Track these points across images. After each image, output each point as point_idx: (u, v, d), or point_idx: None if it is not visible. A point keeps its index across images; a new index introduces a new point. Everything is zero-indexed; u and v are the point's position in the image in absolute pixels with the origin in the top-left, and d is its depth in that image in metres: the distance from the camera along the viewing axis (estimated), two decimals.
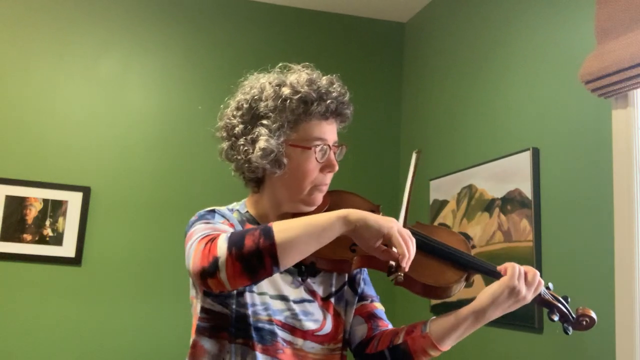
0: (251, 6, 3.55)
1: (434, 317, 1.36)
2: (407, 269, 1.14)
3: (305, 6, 3.60)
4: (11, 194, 3.07)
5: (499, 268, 1.33)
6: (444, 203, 3.03)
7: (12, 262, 3.03)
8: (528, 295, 1.30)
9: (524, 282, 1.29)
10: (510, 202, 2.53)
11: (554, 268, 2.28)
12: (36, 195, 3.09)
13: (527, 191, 2.42)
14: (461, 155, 2.97)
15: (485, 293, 1.30)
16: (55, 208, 3.11)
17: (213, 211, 1.32)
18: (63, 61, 3.25)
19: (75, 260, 3.10)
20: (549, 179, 2.37)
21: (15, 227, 3.05)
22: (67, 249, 3.10)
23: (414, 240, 1.16)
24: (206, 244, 1.10)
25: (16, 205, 3.06)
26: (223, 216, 1.31)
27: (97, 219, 3.16)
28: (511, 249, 2.48)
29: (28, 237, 3.06)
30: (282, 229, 1.09)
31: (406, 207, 1.35)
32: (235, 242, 1.08)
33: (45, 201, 3.10)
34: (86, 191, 3.15)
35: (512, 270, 1.28)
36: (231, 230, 1.25)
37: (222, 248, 1.07)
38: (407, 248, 1.13)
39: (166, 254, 3.21)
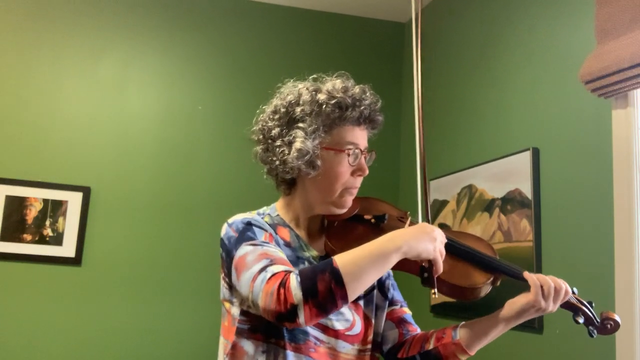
0: (251, 6, 3.55)
1: (463, 322, 1.42)
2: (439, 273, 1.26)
3: (305, 6, 3.60)
4: (11, 194, 3.07)
5: (526, 276, 1.34)
6: (444, 203, 3.03)
7: (12, 262, 3.03)
8: (554, 308, 1.34)
9: (551, 299, 1.32)
10: (510, 202, 2.53)
11: (554, 268, 2.28)
12: (36, 195, 3.10)
13: (527, 191, 2.42)
14: (461, 155, 2.97)
15: (511, 307, 1.35)
16: (55, 208, 3.11)
17: (250, 224, 1.33)
18: (63, 61, 3.25)
19: (75, 260, 3.10)
20: (549, 179, 2.37)
21: (15, 227, 3.05)
22: (67, 249, 3.10)
23: (444, 254, 1.27)
24: (279, 288, 1.14)
25: (16, 205, 3.07)
26: (261, 227, 1.34)
27: (97, 219, 3.16)
28: (511, 249, 2.48)
29: (28, 237, 3.06)
30: (349, 272, 1.15)
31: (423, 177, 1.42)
32: (309, 289, 1.13)
33: (45, 201, 3.10)
34: (86, 191, 3.15)
35: (536, 295, 1.31)
36: (279, 252, 1.28)
37: (297, 296, 1.12)
38: (442, 262, 1.26)
39: (166, 254, 3.21)
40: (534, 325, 2.31)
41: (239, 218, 1.36)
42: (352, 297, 1.15)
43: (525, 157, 2.45)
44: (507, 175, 2.56)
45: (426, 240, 1.22)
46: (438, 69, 3.32)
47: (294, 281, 1.13)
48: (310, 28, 3.63)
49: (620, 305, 1.96)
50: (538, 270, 2.32)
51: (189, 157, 3.33)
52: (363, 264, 1.16)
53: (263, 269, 1.19)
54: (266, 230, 1.33)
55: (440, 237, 1.26)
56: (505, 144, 2.64)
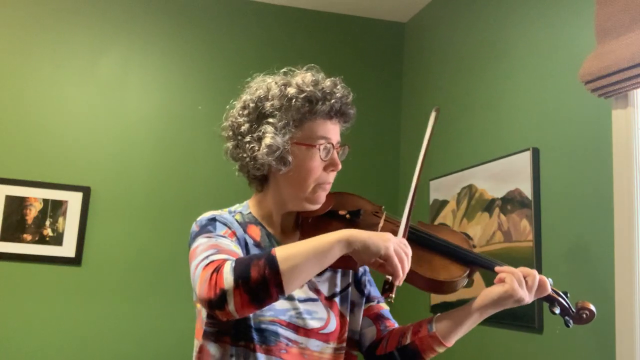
0: (251, 6, 3.55)
1: (438, 314, 1.40)
2: (400, 284, 1.18)
3: (305, 6, 3.60)
4: (11, 194, 3.07)
5: (499, 269, 1.35)
6: (444, 203, 3.03)
7: (12, 262, 3.03)
8: (530, 299, 1.33)
9: (525, 289, 1.32)
10: (510, 202, 2.53)
11: (554, 268, 2.28)
12: (36, 195, 3.09)
13: (527, 191, 2.43)
14: (461, 155, 2.97)
15: (487, 296, 1.33)
16: (55, 208, 3.11)
17: (214, 219, 1.33)
18: (63, 61, 3.25)
19: (75, 260, 3.10)
20: (549, 179, 2.37)
21: (15, 227, 3.05)
22: (67, 249, 3.10)
23: (409, 254, 1.20)
24: (212, 273, 1.11)
25: (16, 205, 3.07)
26: (224, 224, 1.32)
27: (97, 219, 3.16)
28: (511, 249, 2.48)
29: (28, 237, 3.06)
30: (285, 257, 1.11)
31: (414, 187, 1.36)
32: (241, 273, 1.09)
33: (45, 201, 3.10)
34: (86, 191, 3.15)
35: (512, 284, 1.30)
36: (233, 245, 1.26)
37: (228, 280, 1.09)
38: (402, 267, 1.17)
39: (166, 254, 3.21)
40: (534, 325, 2.31)
41: (206, 215, 1.36)
42: (288, 287, 1.10)
43: (525, 157, 2.45)
44: (507, 175, 2.56)
45: (376, 236, 1.17)
46: (438, 69, 3.32)
47: (227, 266, 1.11)
48: (310, 28, 3.63)
49: (620, 305, 1.96)
50: (538, 270, 2.31)
51: (189, 157, 3.33)
52: (303, 251, 1.12)
53: (206, 258, 1.17)
54: (229, 227, 1.32)
55: (397, 242, 1.19)
56: (505, 144, 2.64)
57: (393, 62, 3.72)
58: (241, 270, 1.09)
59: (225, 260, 1.14)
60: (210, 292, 1.10)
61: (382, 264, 1.17)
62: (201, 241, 1.26)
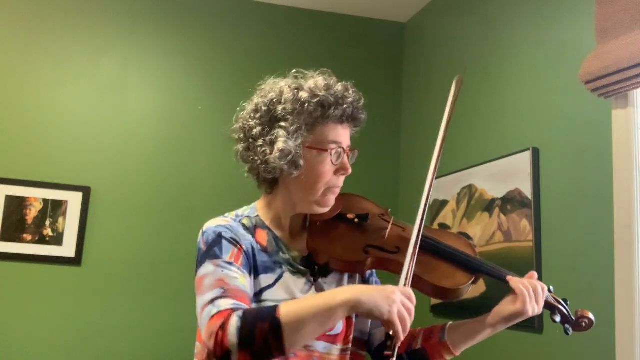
0: (251, 6, 3.55)
1: (450, 323, 1.43)
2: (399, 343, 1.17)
3: (305, 6, 3.60)
4: (11, 194, 3.07)
5: (509, 279, 1.36)
6: (444, 203, 3.03)
7: (12, 262, 3.03)
8: (540, 310, 1.35)
9: (535, 303, 1.33)
10: (510, 202, 2.53)
11: (554, 268, 2.28)
12: (36, 195, 3.10)
13: (527, 191, 2.43)
14: (461, 155, 2.97)
15: (499, 314, 1.35)
16: (55, 208, 3.11)
17: (220, 236, 1.31)
18: (63, 61, 3.25)
19: (75, 260, 3.10)
20: (549, 179, 2.37)
21: (15, 227, 3.05)
22: (67, 249, 3.10)
23: (412, 310, 1.17)
24: (218, 330, 1.12)
25: (16, 205, 3.07)
26: (231, 242, 1.30)
27: (97, 219, 3.16)
28: (511, 249, 2.48)
29: (28, 237, 3.06)
30: (288, 322, 1.12)
31: (424, 204, 1.35)
32: (246, 337, 1.11)
33: (45, 201, 3.10)
34: (86, 191, 3.15)
35: (524, 302, 1.31)
36: (240, 278, 1.25)
37: (232, 342, 1.11)
38: (404, 328, 1.15)
39: (166, 254, 3.21)
40: (534, 325, 2.31)
41: (212, 225, 1.34)
42: (290, 350, 1.12)
43: (525, 157, 2.45)
44: (507, 175, 2.56)
45: (380, 299, 1.14)
46: (438, 69, 3.32)
47: (233, 326, 1.11)
48: (310, 28, 3.63)
49: (620, 305, 1.96)
50: (538, 270, 2.32)
51: (189, 157, 3.33)
52: (306, 316, 1.13)
53: (212, 301, 1.18)
54: (236, 245, 1.30)
55: (401, 300, 1.16)
56: (505, 144, 2.64)
57: (393, 62, 3.72)
58: (246, 334, 1.11)
59: (231, 314, 1.14)
60: (215, 348, 1.12)
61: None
62: (208, 269, 1.25)
